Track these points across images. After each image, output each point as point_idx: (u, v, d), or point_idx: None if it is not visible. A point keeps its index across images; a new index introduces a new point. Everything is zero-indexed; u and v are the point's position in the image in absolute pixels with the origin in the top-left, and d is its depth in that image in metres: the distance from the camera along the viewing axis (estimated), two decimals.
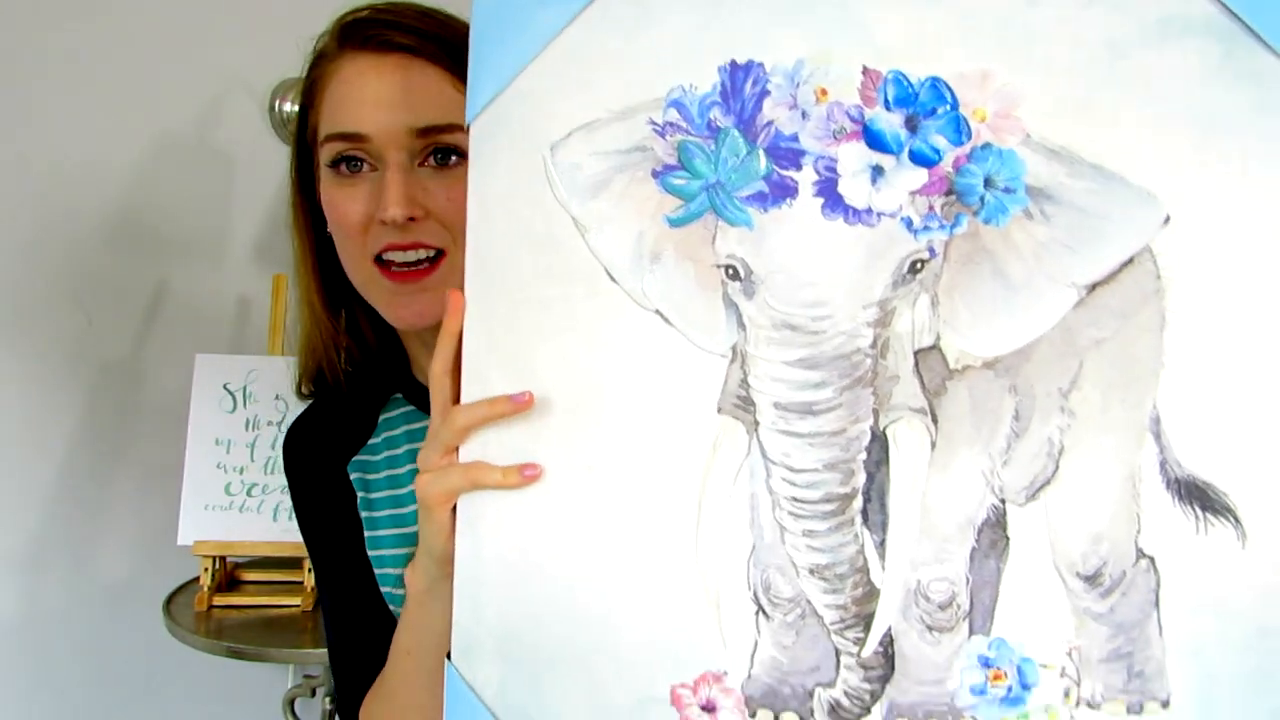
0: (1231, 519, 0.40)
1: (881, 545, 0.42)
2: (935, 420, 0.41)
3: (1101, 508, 0.41)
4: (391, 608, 0.59)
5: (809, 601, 0.42)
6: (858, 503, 0.42)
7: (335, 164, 0.55)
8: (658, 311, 0.43)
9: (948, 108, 0.40)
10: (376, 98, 0.53)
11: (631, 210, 0.44)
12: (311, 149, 0.57)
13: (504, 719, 0.45)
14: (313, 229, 0.60)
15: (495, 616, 0.45)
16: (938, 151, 0.40)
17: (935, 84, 0.40)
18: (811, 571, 0.42)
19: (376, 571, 0.60)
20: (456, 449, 0.46)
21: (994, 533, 0.42)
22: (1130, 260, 0.40)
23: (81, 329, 1.22)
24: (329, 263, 0.59)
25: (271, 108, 1.27)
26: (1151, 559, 0.41)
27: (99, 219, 1.22)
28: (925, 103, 0.40)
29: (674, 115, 0.43)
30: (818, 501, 0.42)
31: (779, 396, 0.42)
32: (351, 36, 0.55)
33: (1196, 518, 0.40)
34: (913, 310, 0.41)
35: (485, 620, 0.46)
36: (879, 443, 0.42)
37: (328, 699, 1.17)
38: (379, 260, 0.55)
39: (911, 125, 0.40)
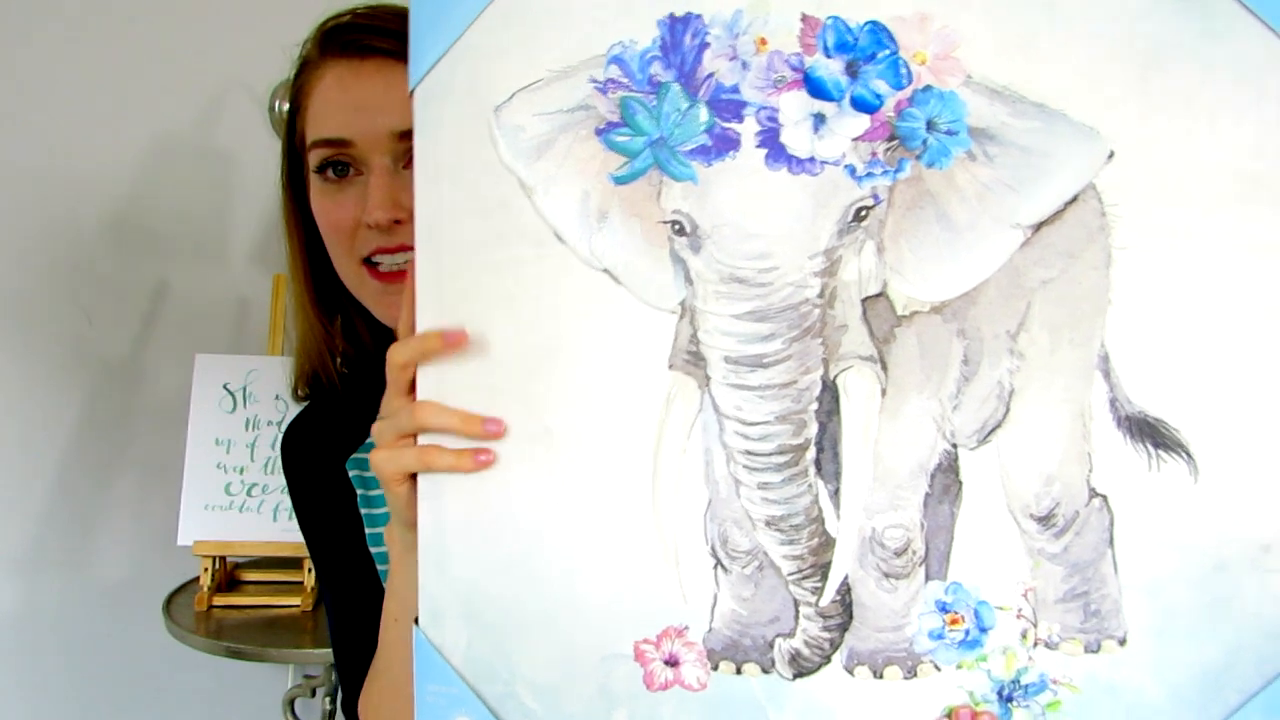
0: (1183, 454, 0.39)
1: (836, 494, 0.42)
2: (885, 368, 0.41)
3: (1052, 448, 0.41)
4: None
5: (766, 553, 0.42)
6: (811, 453, 0.42)
7: (321, 169, 0.56)
8: (606, 270, 0.43)
9: (887, 52, 0.40)
10: (358, 103, 0.54)
11: (576, 170, 0.43)
12: (301, 154, 0.59)
13: (472, 680, 0.45)
14: (303, 232, 0.61)
15: (460, 580, 0.46)
16: (879, 96, 0.40)
17: (874, 28, 0.40)
18: (768, 524, 0.42)
19: (381, 568, 0.61)
20: (404, 389, 0.46)
21: (947, 477, 0.41)
22: (1075, 198, 0.40)
23: (81, 329, 1.23)
24: (321, 266, 0.60)
25: (271, 108, 1.27)
26: (1104, 497, 0.41)
27: (99, 219, 1.23)
28: (865, 48, 0.40)
29: (615, 71, 0.42)
30: (771, 454, 0.42)
31: (729, 350, 0.42)
32: (332, 43, 0.56)
33: (1148, 455, 0.40)
34: (859, 258, 0.41)
35: (450, 584, 0.46)
36: (830, 392, 0.42)
37: (328, 699, 1.17)
38: (367, 262, 0.56)
39: (852, 71, 0.40)
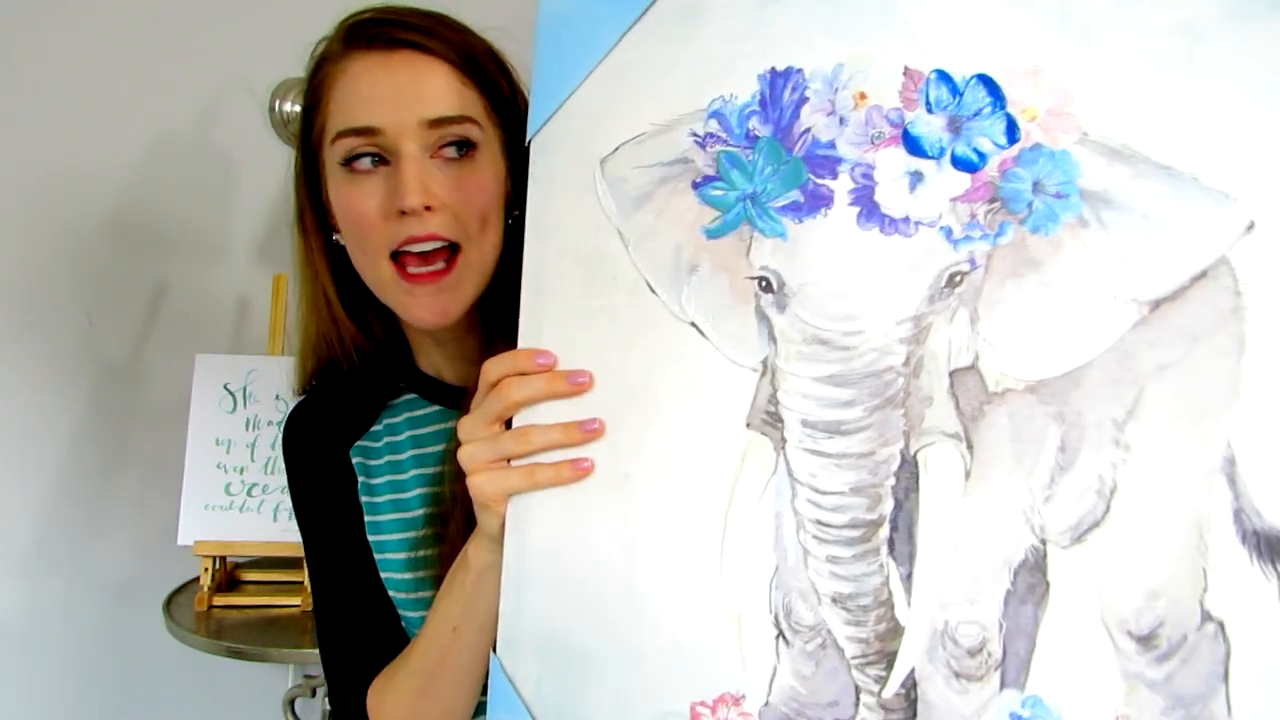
0: None
1: (908, 579, 0.39)
2: (970, 447, 0.38)
3: (1160, 559, 0.35)
4: (392, 593, 0.59)
5: (830, 632, 0.40)
6: (884, 531, 0.39)
7: (347, 161, 0.54)
8: (693, 323, 0.43)
9: (994, 107, 0.37)
10: (387, 92, 0.53)
11: (672, 222, 0.43)
12: (317, 151, 0.57)
13: (539, 715, 0.45)
14: (321, 231, 0.59)
15: (536, 615, 0.46)
16: (982, 155, 0.37)
17: (981, 82, 0.37)
18: (834, 600, 0.40)
19: (378, 557, 0.60)
20: (501, 423, 0.46)
21: (1032, 576, 0.37)
22: (1203, 273, 0.35)
23: (82, 329, 1.22)
24: (339, 263, 0.59)
25: (271, 108, 1.27)
26: (1220, 624, 0.35)
27: (99, 219, 1.22)
28: (969, 103, 0.37)
29: (714, 126, 0.42)
30: (843, 526, 0.40)
31: (807, 414, 0.40)
32: (358, 36, 0.55)
33: (1279, 580, 0.34)
34: (950, 326, 0.39)
35: (527, 617, 0.46)
36: (909, 468, 0.39)
37: (327, 699, 1.16)
38: (395, 258, 0.54)
39: (954, 127, 0.37)
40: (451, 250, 0.54)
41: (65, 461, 1.22)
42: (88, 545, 1.24)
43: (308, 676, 1.18)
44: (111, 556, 1.24)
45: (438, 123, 0.53)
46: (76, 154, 1.19)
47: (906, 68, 0.38)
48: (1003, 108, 0.37)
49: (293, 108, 1.26)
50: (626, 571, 0.44)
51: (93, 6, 1.19)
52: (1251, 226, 0.34)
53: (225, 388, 1.15)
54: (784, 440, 0.41)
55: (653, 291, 0.44)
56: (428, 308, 0.55)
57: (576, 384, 0.45)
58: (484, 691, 0.52)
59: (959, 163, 0.37)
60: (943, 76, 0.38)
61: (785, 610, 0.41)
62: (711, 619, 0.42)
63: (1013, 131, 0.37)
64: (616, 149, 0.44)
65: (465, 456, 0.47)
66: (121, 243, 1.22)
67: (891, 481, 0.39)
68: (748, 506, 0.41)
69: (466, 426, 0.48)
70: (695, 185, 0.43)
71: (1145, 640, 0.36)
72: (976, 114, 0.37)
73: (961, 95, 0.37)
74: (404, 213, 0.52)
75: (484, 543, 0.49)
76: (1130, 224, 0.36)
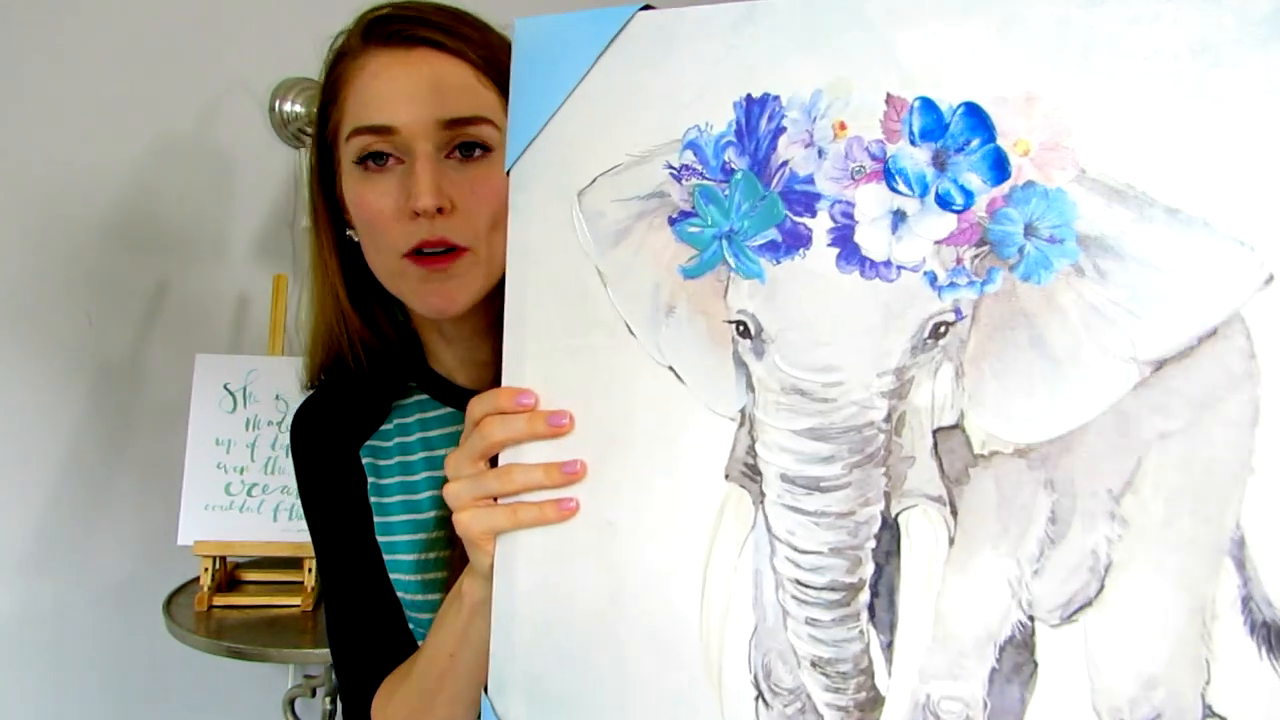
0: None
1: (889, 648, 0.36)
2: (955, 512, 0.35)
3: (1158, 645, 0.32)
4: (401, 594, 0.59)
5: (809, 696, 0.38)
6: (864, 596, 0.37)
7: (362, 159, 0.54)
8: (671, 368, 0.41)
9: (982, 140, 0.33)
10: (404, 91, 0.53)
11: (649, 260, 0.41)
12: (332, 147, 0.57)
13: None
14: (333, 226, 0.59)
15: (524, 656, 0.45)
16: (969, 193, 0.33)
17: (970, 111, 0.33)
18: (814, 664, 0.38)
19: (387, 557, 0.60)
20: (485, 460, 0.46)
21: (1019, 654, 0.34)
22: (1213, 331, 0.31)
23: (82, 329, 1.21)
24: (350, 259, 0.59)
25: (271, 108, 1.26)
26: None
27: (99, 219, 1.21)
28: (956, 134, 0.34)
29: (690, 157, 0.39)
30: (822, 588, 0.37)
31: (785, 468, 0.38)
32: (376, 33, 0.54)
33: None
34: (934, 381, 0.35)
35: (516, 658, 0.45)
36: (890, 531, 0.36)
37: (328, 699, 1.16)
38: (408, 253, 0.54)
39: (939, 162, 0.34)
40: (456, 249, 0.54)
41: (65, 461, 1.21)
42: (88, 545, 1.24)
43: (308, 676, 1.18)
44: (111, 556, 1.24)
45: (453, 123, 0.52)
46: (77, 154, 1.18)
47: (889, 95, 0.35)
48: (992, 140, 0.33)
49: (293, 108, 1.25)
50: (610, 621, 0.42)
51: (93, 7, 1.18)
52: (1270, 280, 0.30)
53: (225, 388, 1.14)
54: (763, 495, 0.38)
55: (631, 333, 0.42)
56: (437, 293, 0.54)
57: (557, 426, 0.43)
58: None
59: (944, 201, 0.34)
60: (927, 105, 0.34)
61: (765, 671, 0.39)
62: (693, 677, 0.40)
63: (1003, 167, 0.33)
64: (593, 181, 0.42)
65: (450, 494, 0.47)
66: (121, 243, 1.22)
67: (872, 544, 0.37)
68: (726, 562, 0.39)
69: (452, 463, 0.47)
70: (671, 221, 0.40)
71: None
72: (963, 147, 0.34)
73: (948, 126, 0.34)
74: (417, 213, 0.52)
75: (477, 579, 0.49)
76: (1131, 274, 0.32)
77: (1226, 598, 0.31)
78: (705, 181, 0.39)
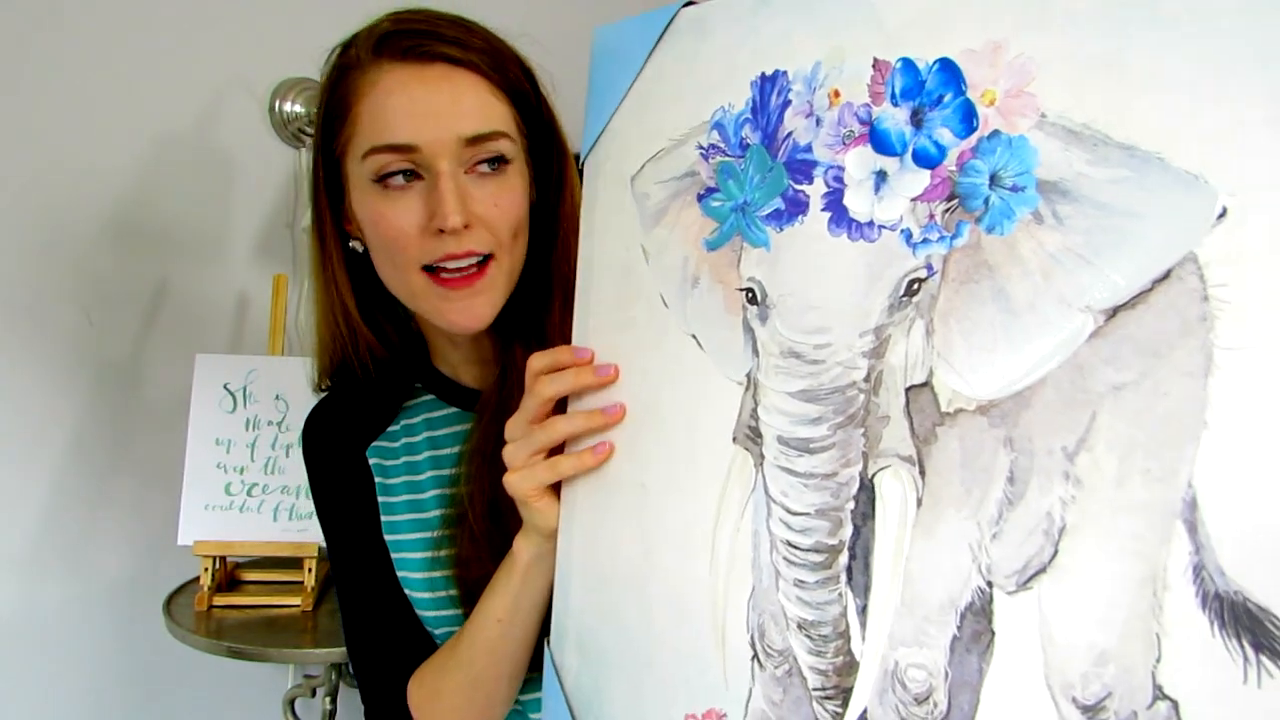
0: None
1: (863, 612, 0.36)
2: (923, 473, 0.34)
3: (1110, 616, 0.29)
4: (409, 593, 0.60)
5: (795, 658, 0.39)
6: (843, 558, 0.37)
7: (381, 178, 0.54)
8: (693, 336, 0.42)
9: (954, 94, 0.33)
10: (423, 108, 0.52)
11: (680, 235, 0.43)
12: (340, 160, 0.56)
13: (575, 708, 0.47)
14: (339, 239, 0.59)
15: (577, 611, 0.47)
16: (941, 148, 0.34)
17: (943, 66, 0.33)
18: (799, 626, 0.38)
19: (395, 557, 0.60)
20: (539, 422, 0.48)
21: (978, 622, 0.33)
22: (1166, 274, 0.28)
23: (81, 329, 1.21)
24: (355, 270, 0.59)
25: (271, 108, 1.26)
26: (1175, 703, 0.28)
27: (99, 219, 1.21)
28: (931, 91, 0.34)
29: (715, 137, 0.42)
30: (808, 550, 0.38)
31: (781, 430, 0.39)
32: (390, 48, 0.54)
33: (1245, 658, 0.27)
34: (907, 340, 0.35)
35: (571, 612, 0.48)
36: (866, 492, 0.36)
37: (328, 699, 1.16)
38: (427, 269, 0.54)
39: (916, 120, 0.34)
40: (482, 257, 0.55)
41: (65, 461, 1.22)
42: (88, 545, 1.24)
43: (308, 676, 1.18)
44: (111, 556, 1.25)
45: (474, 140, 0.53)
46: (77, 154, 1.19)
47: (875, 59, 0.35)
48: (962, 94, 0.33)
49: (293, 108, 1.25)
50: (642, 578, 0.44)
51: (93, 6, 1.19)
52: (1224, 214, 0.27)
53: (225, 388, 1.14)
54: (762, 457, 0.39)
55: (665, 304, 0.44)
56: (464, 311, 0.55)
57: (603, 375, 0.45)
58: (523, 689, 0.56)
59: (919, 158, 0.34)
60: (907, 66, 0.35)
61: (759, 632, 0.40)
62: (701, 634, 0.41)
63: (970, 119, 0.33)
64: (642, 167, 0.45)
65: (507, 455, 0.49)
66: (121, 243, 1.22)
67: (851, 505, 0.37)
68: (730, 524, 0.40)
69: (510, 428, 0.49)
70: (699, 197, 0.42)
71: (1091, 711, 0.30)
72: (937, 103, 0.34)
73: (924, 83, 0.34)
74: (442, 230, 0.52)
75: (531, 536, 0.50)
76: (1088, 218, 0.30)
77: (1178, 566, 0.28)
78: (727, 158, 0.41)
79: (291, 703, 1.17)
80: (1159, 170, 0.29)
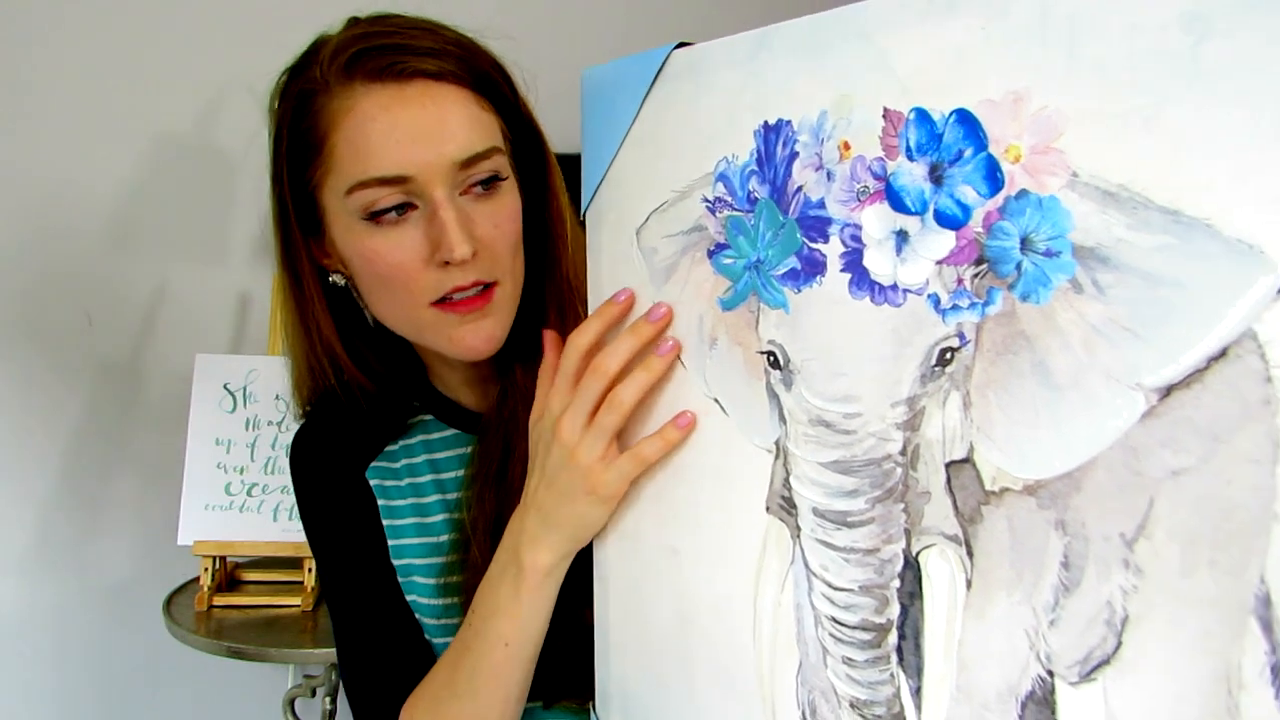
0: None
1: (917, 694, 0.34)
2: (971, 553, 0.32)
3: (1180, 712, 0.28)
4: (420, 617, 0.58)
5: None
6: (892, 637, 0.35)
7: (373, 215, 0.49)
8: (716, 400, 0.41)
9: (974, 149, 0.30)
10: (410, 134, 0.48)
11: (693, 293, 0.41)
12: (314, 194, 0.52)
13: None
14: (318, 275, 0.55)
15: (619, 675, 0.46)
16: (965, 208, 0.31)
17: (961, 119, 0.31)
18: (852, 706, 0.36)
19: (403, 579, 0.59)
20: (599, 403, 0.44)
21: (1040, 712, 0.31)
22: (1223, 352, 0.26)
23: (81, 329, 1.21)
24: (336, 307, 0.56)
25: (272, 108, 1.24)
26: None
27: (99, 219, 1.21)
28: (949, 145, 0.31)
29: (721, 190, 0.39)
30: (855, 627, 0.36)
31: (816, 501, 0.37)
32: (362, 68, 0.49)
33: None
34: (943, 412, 0.33)
35: (613, 675, 0.46)
36: (912, 570, 0.34)
37: (328, 699, 1.16)
38: (436, 301, 0.51)
39: (936, 176, 0.32)
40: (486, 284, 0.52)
41: (65, 461, 1.22)
42: (88, 545, 1.24)
43: (308, 676, 1.18)
44: (111, 556, 1.25)
45: (469, 162, 0.49)
46: (77, 154, 1.18)
47: (886, 109, 0.33)
48: (984, 149, 0.30)
49: None
50: (680, 646, 0.42)
51: (93, 7, 1.18)
52: None
53: (225, 388, 1.14)
54: (798, 528, 0.37)
55: (683, 365, 0.42)
56: (476, 334, 0.51)
57: (656, 320, 0.43)
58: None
59: (942, 218, 0.32)
60: (921, 117, 0.32)
61: (811, 709, 0.38)
62: (750, 710, 0.40)
63: (995, 176, 0.30)
64: (647, 219, 0.43)
65: (581, 454, 0.45)
66: (121, 243, 1.22)
67: (896, 584, 0.35)
68: (770, 596, 0.39)
69: (565, 429, 0.45)
70: (710, 254, 0.40)
71: None
72: (957, 159, 0.31)
73: (941, 137, 0.31)
74: (447, 263, 0.49)
75: (552, 541, 0.47)
76: (1131, 288, 0.28)
77: (1254, 665, 0.26)
78: (735, 213, 0.39)
79: (291, 703, 1.17)
80: (1207, 238, 0.26)
